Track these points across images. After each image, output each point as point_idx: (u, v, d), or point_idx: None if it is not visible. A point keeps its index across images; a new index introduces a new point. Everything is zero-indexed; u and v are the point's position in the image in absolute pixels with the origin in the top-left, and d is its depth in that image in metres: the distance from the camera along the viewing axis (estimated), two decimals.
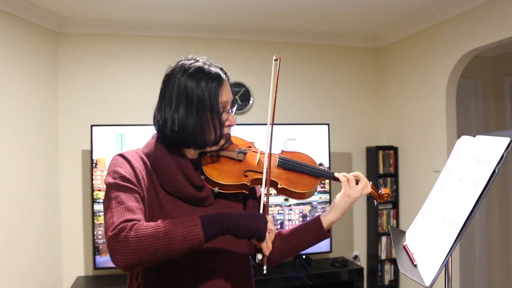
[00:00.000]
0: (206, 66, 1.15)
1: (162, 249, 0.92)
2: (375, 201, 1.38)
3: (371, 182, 1.35)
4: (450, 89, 3.08)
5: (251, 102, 3.53)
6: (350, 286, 3.28)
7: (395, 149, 3.65)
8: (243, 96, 3.51)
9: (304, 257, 3.34)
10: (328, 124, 3.37)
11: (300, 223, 1.33)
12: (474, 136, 1.09)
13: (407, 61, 3.52)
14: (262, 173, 1.18)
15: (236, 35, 3.53)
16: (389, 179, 3.62)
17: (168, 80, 1.14)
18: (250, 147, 1.29)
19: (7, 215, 2.65)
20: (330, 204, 3.31)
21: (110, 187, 1.04)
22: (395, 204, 3.64)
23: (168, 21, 3.28)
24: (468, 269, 3.85)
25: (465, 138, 1.18)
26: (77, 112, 3.22)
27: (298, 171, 1.27)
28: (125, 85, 3.29)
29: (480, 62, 3.90)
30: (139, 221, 0.97)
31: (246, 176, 1.19)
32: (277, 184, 1.22)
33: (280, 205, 3.21)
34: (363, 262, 3.75)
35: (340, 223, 3.68)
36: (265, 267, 1.08)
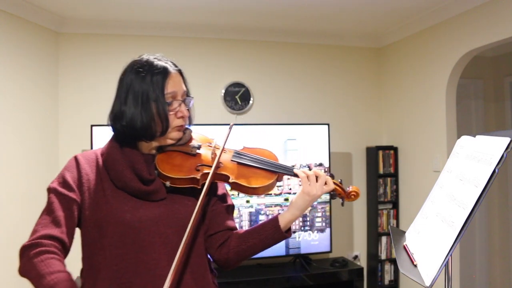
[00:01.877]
0: (155, 61, 1.18)
1: (30, 275, 1.03)
2: (341, 200, 1.30)
3: (339, 180, 1.29)
4: (450, 89, 3.08)
5: (251, 102, 3.53)
6: (350, 286, 3.28)
7: (395, 149, 3.65)
8: (243, 96, 3.51)
9: (304, 257, 3.33)
10: (328, 124, 3.37)
11: (260, 222, 1.28)
12: (474, 136, 1.09)
13: (407, 61, 3.52)
14: (216, 167, 1.18)
15: (236, 35, 3.53)
16: (389, 179, 3.62)
17: (120, 78, 1.20)
18: (210, 143, 1.28)
19: (7, 215, 2.65)
20: (330, 204, 3.31)
21: (49, 191, 1.13)
22: (395, 204, 3.64)
23: (168, 21, 3.28)
24: (468, 269, 3.85)
25: (465, 138, 1.18)
26: (77, 112, 3.22)
27: (253, 166, 1.23)
28: None
29: (480, 62, 3.90)
30: (55, 243, 1.05)
31: (197, 170, 1.18)
32: (229, 178, 1.20)
33: (280, 205, 3.21)
34: (363, 262, 3.75)
35: (340, 223, 3.68)
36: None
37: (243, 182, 1.19)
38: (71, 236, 1.11)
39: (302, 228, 3.26)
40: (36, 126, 2.95)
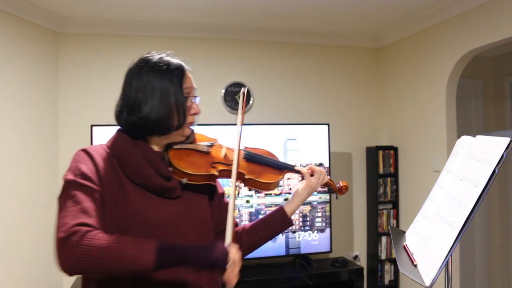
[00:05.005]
0: (169, 58, 1.19)
1: (108, 264, 0.90)
2: (335, 194, 1.45)
3: (329, 177, 1.42)
4: (450, 89, 3.08)
5: (251, 102, 3.53)
6: (350, 286, 3.28)
7: (395, 149, 3.65)
8: None
9: (304, 257, 3.33)
10: (328, 124, 3.37)
11: (263, 216, 1.38)
12: (474, 136, 1.09)
13: (407, 61, 3.52)
14: (229, 165, 1.23)
15: (236, 35, 3.53)
16: (389, 179, 3.62)
17: (131, 73, 1.17)
18: (214, 142, 1.31)
19: (7, 215, 2.65)
20: (330, 204, 3.31)
21: (68, 184, 1.01)
22: (395, 204, 3.64)
23: (168, 21, 3.28)
24: (468, 269, 3.85)
25: (465, 138, 1.18)
26: (77, 112, 3.22)
27: (263, 164, 1.33)
28: None
29: (480, 62, 3.90)
30: (94, 228, 0.93)
31: (213, 167, 1.21)
32: (244, 175, 1.26)
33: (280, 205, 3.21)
34: (363, 262, 3.75)
35: (340, 223, 3.68)
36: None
37: (257, 178, 1.28)
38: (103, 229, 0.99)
39: (302, 228, 3.26)
40: (36, 126, 2.95)
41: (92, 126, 2.94)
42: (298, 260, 3.38)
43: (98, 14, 3.09)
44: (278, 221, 1.33)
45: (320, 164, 3.30)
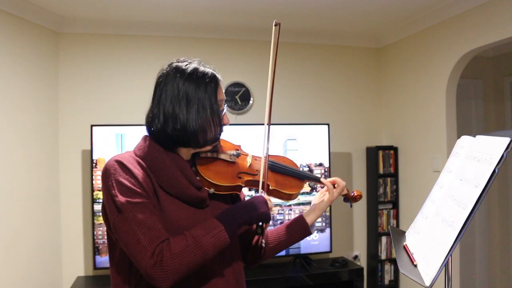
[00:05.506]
0: (202, 67, 1.17)
1: (199, 261, 1.02)
2: (349, 202, 1.49)
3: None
4: (450, 89, 3.08)
5: (251, 102, 3.53)
6: (350, 286, 3.28)
7: (395, 149, 3.65)
8: (243, 96, 3.51)
9: (304, 257, 3.33)
10: (328, 124, 3.37)
11: (282, 223, 1.43)
12: (474, 136, 1.09)
13: (407, 61, 3.52)
14: (254, 175, 1.25)
15: (236, 35, 3.53)
16: (389, 179, 3.62)
17: (165, 82, 1.14)
18: (238, 150, 1.31)
19: (7, 215, 2.65)
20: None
21: (123, 208, 1.01)
22: (395, 204, 3.64)
23: (168, 21, 3.28)
24: (468, 269, 3.85)
25: (465, 138, 1.18)
26: (77, 112, 3.22)
27: (285, 174, 1.34)
28: (125, 85, 3.29)
29: (480, 62, 3.90)
30: (167, 239, 1.01)
31: (239, 178, 1.22)
32: (269, 186, 1.27)
33: (280, 205, 3.21)
34: (363, 262, 3.75)
35: (340, 223, 3.68)
36: (263, 241, 1.30)
37: (281, 189, 1.30)
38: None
39: None
40: (36, 126, 2.95)
41: (92, 126, 2.94)
42: (298, 260, 3.38)
43: (98, 14, 3.09)
44: (300, 231, 1.37)
45: (320, 164, 3.30)
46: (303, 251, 3.27)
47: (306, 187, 3.23)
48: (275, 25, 1.25)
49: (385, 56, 3.84)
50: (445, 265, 0.95)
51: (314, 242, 3.30)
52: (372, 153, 3.68)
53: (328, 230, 3.32)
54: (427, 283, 0.94)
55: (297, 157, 3.24)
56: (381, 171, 3.61)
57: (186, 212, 1.11)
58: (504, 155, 0.89)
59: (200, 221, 1.10)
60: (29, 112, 2.89)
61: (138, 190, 1.04)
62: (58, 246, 3.15)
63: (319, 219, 3.30)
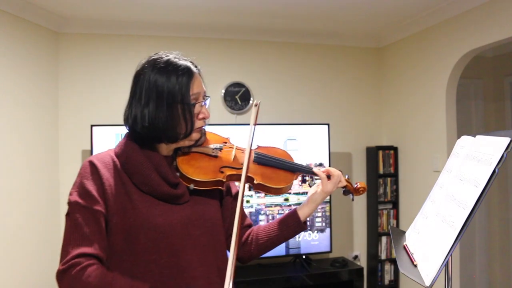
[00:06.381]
0: (176, 60, 1.14)
1: None
2: (351, 195, 1.38)
3: (347, 176, 1.37)
4: (450, 89, 3.08)
5: (251, 102, 3.52)
6: (350, 286, 3.28)
7: (395, 149, 3.65)
8: (243, 96, 3.51)
9: (304, 257, 3.33)
10: (328, 124, 3.37)
11: (276, 218, 1.37)
12: (474, 136, 1.09)
13: (407, 61, 3.52)
14: (238, 169, 1.18)
15: (236, 35, 3.53)
16: (389, 179, 3.62)
17: (138, 77, 1.14)
18: (226, 142, 1.27)
19: (7, 215, 2.65)
20: (330, 204, 3.31)
21: (71, 206, 1.06)
22: (395, 204, 3.64)
23: (167, 21, 3.28)
24: (468, 269, 3.85)
25: (465, 138, 1.18)
26: (77, 112, 3.22)
27: (274, 166, 1.27)
28: (125, 85, 3.26)
29: (480, 62, 3.90)
30: (93, 258, 1.01)
31: (222, 172, 1.17)
32: (253, 180, 1.21)
33: (280, 205, 3.21)
34: (363, 262, 3.75)
35: (340, 223, 3.68)
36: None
37: (267, 183, 1.22)
38: (104, 250, 1.06)
39: None
40: (36, 126, 2.95)
41: (92, 126, 2.94)
42: (298, 260, 3.38)
43: (98, 14, 3.09)
44: (292, 226, 1.30)
45: (320, 164, 3.30)
46: (303, 251, 3.27)
47: (306, 187, 3.23)
48: (255, 105, 1.20)
49: (385, 56, 3.84)
50: (445, 265, 0.95)
51: (314, 242, 3.30)
52: (372, 153, 3.67)
53: (328, 230, 3.32)
54: (427, 283, 0.94)
55: (297, 157, 3.24)
56: (381, 171, 3.61)
57: (161, 208, 1.10)
58: (504, 155, 0.89)
59: (175, 217, 1.10)
60: (30, 112, 2.89)
61: (95, 194, 1.06)
62: (58, 245, 3.14)
63: (319, 219, 3.29)
